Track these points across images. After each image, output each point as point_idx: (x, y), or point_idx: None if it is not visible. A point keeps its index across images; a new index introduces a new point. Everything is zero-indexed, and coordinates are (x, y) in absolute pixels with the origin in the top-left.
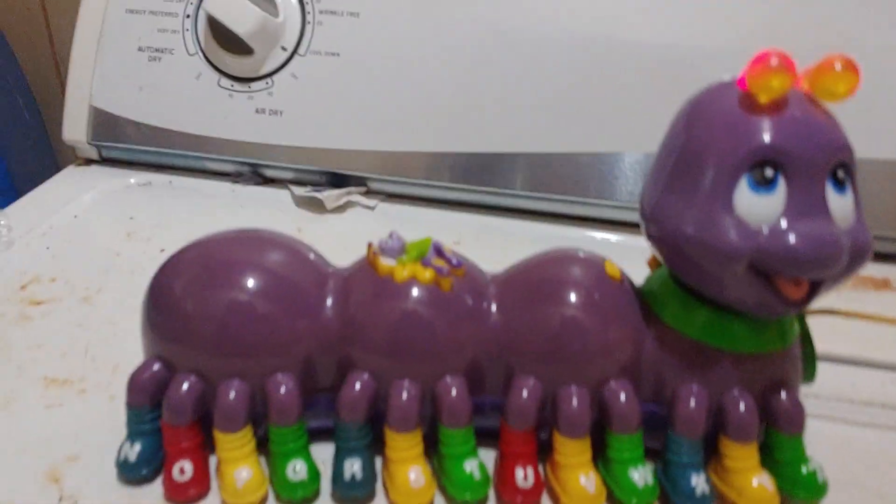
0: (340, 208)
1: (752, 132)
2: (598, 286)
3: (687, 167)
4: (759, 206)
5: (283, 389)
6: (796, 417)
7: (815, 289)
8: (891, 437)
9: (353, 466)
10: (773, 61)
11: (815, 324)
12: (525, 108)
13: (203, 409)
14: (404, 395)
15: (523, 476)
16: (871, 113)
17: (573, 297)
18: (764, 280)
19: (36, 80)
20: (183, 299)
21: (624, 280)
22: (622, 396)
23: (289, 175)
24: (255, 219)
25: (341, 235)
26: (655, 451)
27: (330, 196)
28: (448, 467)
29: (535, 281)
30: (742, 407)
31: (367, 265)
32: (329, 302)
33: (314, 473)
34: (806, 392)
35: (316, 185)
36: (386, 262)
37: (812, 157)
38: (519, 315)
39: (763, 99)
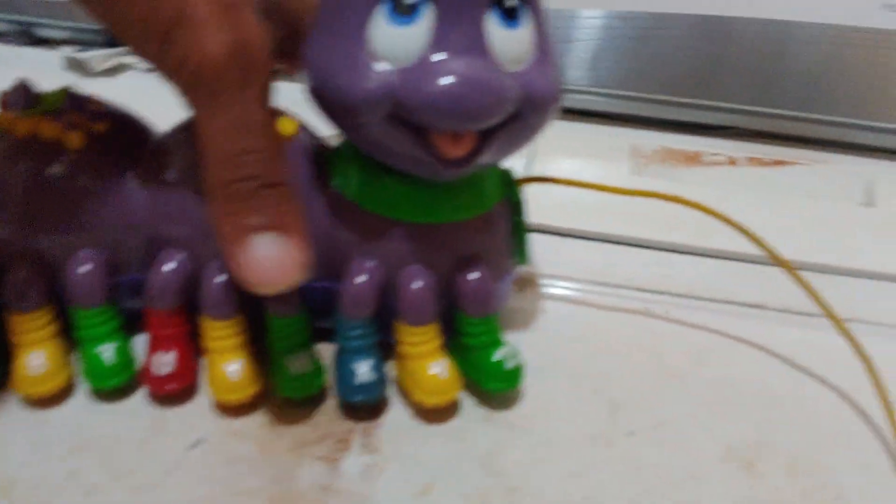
0: (112, 71)
1: None
2: None
3: None
4: (398, 41)
5: None
6: (482, 297)
7: (482, 145)
8: (610, 317)
9: None
10: None
11: None
12: None
13: None
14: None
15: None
16: None
17: None
18: (414, 133)
19: None
20: None
21: (298, 140)
22: None
23: (62, 35)
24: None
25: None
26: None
27: (95, 57)
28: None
29: (185, 141)
30: (414, 285)
31: None
32: None
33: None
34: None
35: (91, 45)
36: (7, 116)
37: None
38: (164, 181)
39: None
